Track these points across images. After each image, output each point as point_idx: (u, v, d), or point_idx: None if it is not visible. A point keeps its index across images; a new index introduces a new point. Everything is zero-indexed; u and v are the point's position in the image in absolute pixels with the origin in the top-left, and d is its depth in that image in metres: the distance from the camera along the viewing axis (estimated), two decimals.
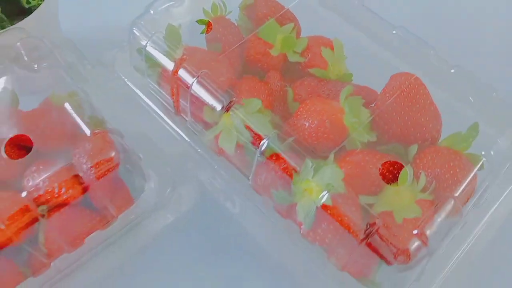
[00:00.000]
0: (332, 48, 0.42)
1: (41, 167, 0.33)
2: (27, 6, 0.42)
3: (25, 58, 0.36)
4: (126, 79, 0.42)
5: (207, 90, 0.36)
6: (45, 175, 0.31)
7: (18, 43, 0.36)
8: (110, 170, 0.34)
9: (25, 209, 0.31)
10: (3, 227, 0.30)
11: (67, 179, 0.32)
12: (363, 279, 0.33)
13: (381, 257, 0.30)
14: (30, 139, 0.34)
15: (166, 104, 0.41)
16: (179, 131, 0.40)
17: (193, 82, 0.36)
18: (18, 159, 0.34)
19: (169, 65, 0.37)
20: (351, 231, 0.30)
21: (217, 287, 0.36)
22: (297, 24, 0.43)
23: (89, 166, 0.32)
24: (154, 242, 0.38)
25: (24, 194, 0.31)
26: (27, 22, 0.39)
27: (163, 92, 0.40)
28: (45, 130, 0.35)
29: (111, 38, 0.43)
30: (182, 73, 0.36)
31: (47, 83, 0.38)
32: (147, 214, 0.37)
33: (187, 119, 0.39)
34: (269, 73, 0.42)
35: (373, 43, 0.42)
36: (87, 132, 0.33)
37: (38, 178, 0.32)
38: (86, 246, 0.36)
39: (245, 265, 0.37)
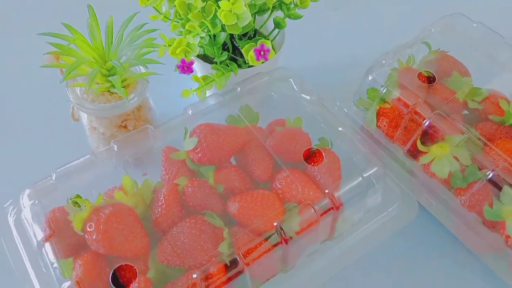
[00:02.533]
0: (507, 100, 0.53)
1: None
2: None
3: (295, 88, 0.48)
4: (345, 110, 0.53)
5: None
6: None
7: (291, 79, 0.48)
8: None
9: None
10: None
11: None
12: None
13: None
14: None
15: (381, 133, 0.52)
16: (398, 156, 0.51)
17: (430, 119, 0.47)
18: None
19: (402, 105, 0.49)
20: None
21: None
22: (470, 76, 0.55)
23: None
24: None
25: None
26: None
27: (380, 123, 0.51)
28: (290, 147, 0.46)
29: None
30: (419, 110, 0.48)
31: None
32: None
33: (403, 147, 0.51)
34: (452, 115, 0.53)
35: None
36: None
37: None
38: None
39: None
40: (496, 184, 0.46)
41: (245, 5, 0.42)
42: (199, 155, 0.46)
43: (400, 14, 0.75)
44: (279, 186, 0.45)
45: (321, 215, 0.41)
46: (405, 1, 0.77)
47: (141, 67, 0.50)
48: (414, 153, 0.51)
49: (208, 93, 0.50)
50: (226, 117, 0.50)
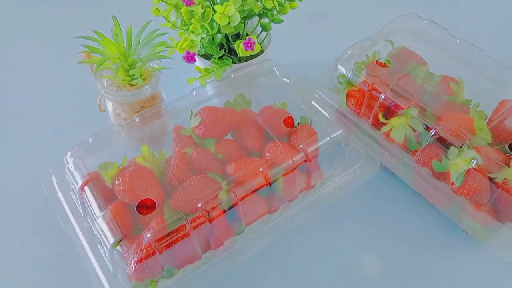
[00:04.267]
0: (457, 82, 0.65)
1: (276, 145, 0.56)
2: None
3: (278, 75, 0.61)
4: (322, 94, 0.66)
5: (388, 99, 0.59)
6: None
7: (274, 67, 0.61)
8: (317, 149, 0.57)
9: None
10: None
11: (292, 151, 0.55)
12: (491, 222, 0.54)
13: (507, 189, 0.51)
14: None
15: (350, 110, 0.64)
16: (363, 127, 0.63)
17: (379, 94, 0.59)
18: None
19: (362, 84, 0.61)
20: (487, 177, 0.52)
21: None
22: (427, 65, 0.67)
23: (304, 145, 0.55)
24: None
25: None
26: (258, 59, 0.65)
27: (349, 103, 0.63)
28: (276, 122, 0.58)
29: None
30: (377, 86, 0.60)
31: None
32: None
33: (367, 120, 0.63)
34: (415, 97, 0.64)
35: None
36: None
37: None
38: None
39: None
40: (443, 144, 0.57)
41: (235, 10, 0.55)
42: (202, 130, 0.58)
43: (362, 15, 0.91)
44: (268, 154, 0.57)
45: (297, 165, 0.53)
46: (365, 5, 0.92)
47: (155, 65, 0.63)
48: (377, 125, 0.62)
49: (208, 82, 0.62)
50: (224, 102, 0.62)
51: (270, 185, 0.52)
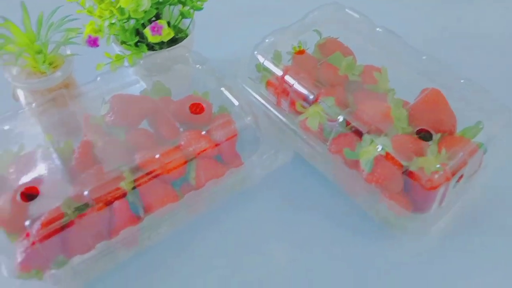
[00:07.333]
0: (380, 72, 0.64)
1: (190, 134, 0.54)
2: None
3: (191, 61, 0.59)
4: (244, 85, 0.64)
5: (305, 88, 0.58)
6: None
7: (187, 54, 0.59)
8: (232, 137, 0.55)
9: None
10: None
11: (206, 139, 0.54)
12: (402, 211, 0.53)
13: (417, 179, 0.50)
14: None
15: (269, 99, 0.63)
16: (279, 116, 0.61)
17: (294, 83, 0.58)
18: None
19: (279, 73, 0.60)
20: (397, 165, 0.50)
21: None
22: (354, 56, 0.66)
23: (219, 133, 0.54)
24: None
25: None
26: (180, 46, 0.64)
27: (269, 92, 0.62)
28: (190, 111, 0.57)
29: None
30: (287, 77, 0.59)
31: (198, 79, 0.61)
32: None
33: (285, 108, 0.61)
34: (335, 87, 0.63)
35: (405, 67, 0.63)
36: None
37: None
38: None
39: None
40: (360, 134, 0.56)
41: None
42: (112, 118, 0.56)
43: (285, 5, 0.91)
44: (181, 143, 0.55)
45: (202, 151, 0.52)
46: None
47: (68, 51, 0.61)
48: (296, 114, 0.61)
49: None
50: (140, 91, 0.61)
51: (170, 172, 0.50)
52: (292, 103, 0.60)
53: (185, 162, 0.54)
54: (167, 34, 0.55)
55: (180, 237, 0.56)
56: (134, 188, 0.50)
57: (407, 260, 0.54)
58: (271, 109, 0.62)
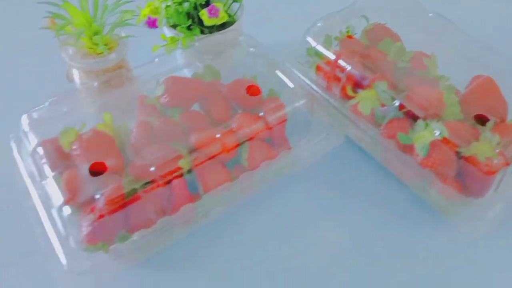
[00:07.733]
0: (430, 58, 0.63)
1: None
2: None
3: (244, 44, 0.60)
4: (291, 67, 0.65)
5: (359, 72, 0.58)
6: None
7: (240, 37, 0.60)
8: (283, 121, 0.56)
9: None
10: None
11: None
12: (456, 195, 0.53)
13: (475, 164, 0.50)
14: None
15: (318, 83, 0.63)
16: (329, 100, 0.62)
17: (348, 67, 0.58)
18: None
19: (332, 57, 0.60)
20: (454, 150, 0.50)
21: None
22: (401, 42, 0.66)
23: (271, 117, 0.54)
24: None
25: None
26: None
27: (318, 76, 0.62)
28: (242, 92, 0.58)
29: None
30: (341, 61, 0.59)
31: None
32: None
33: (336, 93, 0.62)
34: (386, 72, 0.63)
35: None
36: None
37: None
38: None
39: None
40: (413, 119, 0.56)
41: None
42: (167, 99, 0.57)
43: None
44: (233, 125, 0.56)
45: (256, 134, 0.52)
46: None
47: (123, 33, 0.62)
48: (346, 99, 0.61)
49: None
50: (192, 73, 0.61)
51: (228, 153, 0.51)
52: (343, 88, 0.60)
53: (238, 144, 0.54)
54: (222, 17, 0.56)
55: (231, 218, 0.57)
56: (191, 167, 0.51)
57: (459, 246, 0.55)
58: (321, 93, 0.62)
